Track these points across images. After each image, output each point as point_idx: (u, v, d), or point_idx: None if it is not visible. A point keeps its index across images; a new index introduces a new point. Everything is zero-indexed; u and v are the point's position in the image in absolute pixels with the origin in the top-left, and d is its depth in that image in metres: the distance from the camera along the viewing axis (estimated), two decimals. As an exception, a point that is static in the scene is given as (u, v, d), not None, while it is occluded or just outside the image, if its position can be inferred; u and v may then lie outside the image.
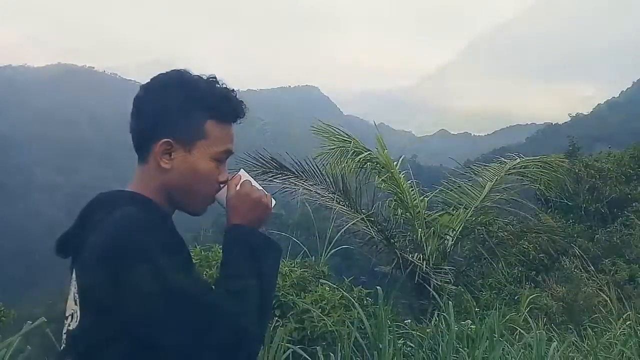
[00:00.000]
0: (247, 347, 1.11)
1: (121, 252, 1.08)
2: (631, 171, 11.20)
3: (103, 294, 1.10)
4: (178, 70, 1.27)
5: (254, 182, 1.29)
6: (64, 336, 1.19)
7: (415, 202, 7.07)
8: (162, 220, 1.19)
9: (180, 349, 1.08)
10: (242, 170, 1.32)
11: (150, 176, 1.22)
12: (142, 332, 1.09)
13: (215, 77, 1.26)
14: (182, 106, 1.21)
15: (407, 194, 7.02)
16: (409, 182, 7.32)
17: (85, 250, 1.14)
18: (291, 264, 3.62)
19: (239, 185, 1.26)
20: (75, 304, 1.16)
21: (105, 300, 1.10)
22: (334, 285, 3.50)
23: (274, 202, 1.31)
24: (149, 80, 1.26)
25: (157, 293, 1.07)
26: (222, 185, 1.27)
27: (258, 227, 1.26)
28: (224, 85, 1.26)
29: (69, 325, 1.18)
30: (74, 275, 1.18)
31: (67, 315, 1.19)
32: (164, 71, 1.28)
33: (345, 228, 6.03)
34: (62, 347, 1.20)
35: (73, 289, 1.18)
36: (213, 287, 1.17)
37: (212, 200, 1.28)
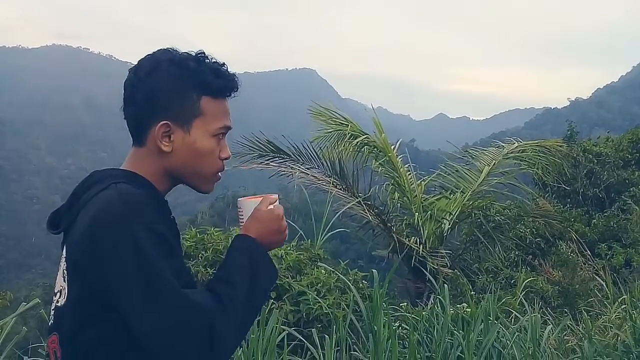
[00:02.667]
0: (218, 348, 1.08)
1: (108, 228, 1.07)
2: (629, 156, 11.17)
3: (88, 270, 1.09)
4: (165, 49, 1.23)
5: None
6: (52, 312, 1.19)
7: (412, 186, 7.06)
8: (156, 201, 1.18)
9: (152, 334, 1.06)
10: (277, 195, 1.33)
11: (148, 159, 1.20)
12: (120, 312, 1.07)
13: (204, 52, 1.23)
14: (175, 85, 1.19)
15: (405, 177, 7.00)
16: (407, 166, 7.31)
17: (76, 226, 1.13)
18: (287, 247, 3.61)
19: (273, 205, 1.26)
20: (64, 280, 1.15)
21: (90, 276, 1.08)
22: (330, 268, 3.49)
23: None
24: (136, 63, 1.23)
25: (136, 274, 1.05)
26: (224, 161, 1.26)
27: (267, 249, 1.25)
28: (214, 60, 1.23)
29: (57, 301, 1.17)
30: (64, 251, 1.17)
31: (55, 291, 1.19)
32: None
33: (341, 212, 6.01)
34: (49, 323, 1.19)
35: (62, 265, 1.17)
36: (203, 280, 1.16)
37: (219, 177, 1.27)
